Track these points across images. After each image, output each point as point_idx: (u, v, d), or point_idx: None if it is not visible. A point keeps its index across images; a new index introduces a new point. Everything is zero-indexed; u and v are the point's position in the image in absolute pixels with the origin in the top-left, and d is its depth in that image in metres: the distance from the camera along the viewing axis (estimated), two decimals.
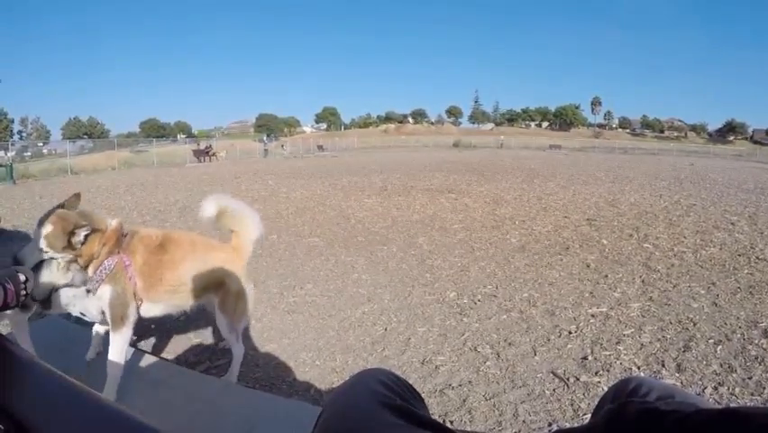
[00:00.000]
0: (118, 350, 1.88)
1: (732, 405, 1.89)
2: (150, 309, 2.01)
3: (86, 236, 1.81)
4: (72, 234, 1.76)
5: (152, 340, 2.69)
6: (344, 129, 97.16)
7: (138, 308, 1.95)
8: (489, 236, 5.64)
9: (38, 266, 1.74)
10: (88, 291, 1.81)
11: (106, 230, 1.90)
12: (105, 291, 1.86)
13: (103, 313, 1.86)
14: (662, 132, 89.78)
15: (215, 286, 2.12)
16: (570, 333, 2.87)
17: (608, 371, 2.39)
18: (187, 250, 2.08)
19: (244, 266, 2.26)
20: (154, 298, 1.98)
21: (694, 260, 4.55)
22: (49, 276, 1.72)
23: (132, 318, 1.92)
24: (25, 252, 1.72)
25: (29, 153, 33.68)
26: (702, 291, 3.61)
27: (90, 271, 1.86)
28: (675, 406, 0.59)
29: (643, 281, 3.87)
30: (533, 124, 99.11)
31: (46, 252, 1.73)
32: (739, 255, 4.72)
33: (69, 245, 1.76)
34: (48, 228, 1.73)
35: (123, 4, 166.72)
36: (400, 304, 3.40)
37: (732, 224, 6.48)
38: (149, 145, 31.98)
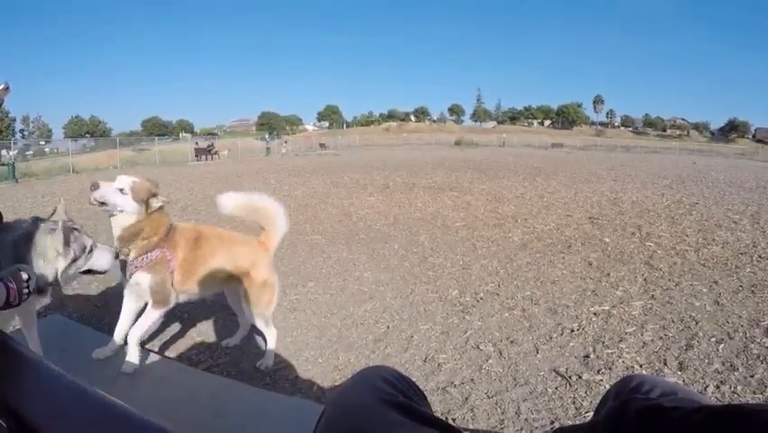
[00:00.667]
0: (150, 319, 2.06)
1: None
2: (179, 297, 2.16)
3: (159, 208, 1.99)
4: (154, 195, 1.96)
5: (155, 338, 2.70)
6: (346, 127, 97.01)
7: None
8: (491, 234, 5.64)
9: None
10: (103, 272, 1.80)
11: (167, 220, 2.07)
12: (144, 279, 1.98)
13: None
14: (664, 130, 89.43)
15: (241, 277, 2.26)
16: (572, 331, 2.87)
17: (610, 369, 2.39)
18: (216, 244, 2.21)
19: (270, 258, 2.42)
20: (186, 289, 2.13)
21: (696, 258, 4.54)
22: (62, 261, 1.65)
23: (171, 303, 2.09)
24: (107, 192, 1.85)
25: (31, 152, 33.76)
26: (704, 290, 3.60)
27: (132, 254, 1.95)
28: (678, 403, 0.59)
29: (645, 280, 3.87)
30: (535, 122, 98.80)
31: (126, 194, 1.88)
32: (741, 254, 4.71)
33: (146, 203, 1.93)
34: (134, 178, 1.92)
35: (125, 2, 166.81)
36: (402, 302, 3.41)
37: (734, 222, 6.46)
38: (151, 144, 32.02)
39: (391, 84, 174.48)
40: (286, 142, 40.02)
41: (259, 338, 2.73)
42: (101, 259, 1.75)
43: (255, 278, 2.27)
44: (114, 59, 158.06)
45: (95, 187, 1.86)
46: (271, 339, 2.40)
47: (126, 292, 2.13)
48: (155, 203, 1.95)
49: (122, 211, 1.91)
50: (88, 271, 1.74)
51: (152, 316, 2.07)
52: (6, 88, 1.68)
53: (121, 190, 1.87)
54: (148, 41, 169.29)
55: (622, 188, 10.61)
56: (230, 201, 2.31)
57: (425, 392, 0.89)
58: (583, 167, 17.92)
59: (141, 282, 2.00)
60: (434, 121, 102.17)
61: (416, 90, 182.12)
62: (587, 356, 2.54)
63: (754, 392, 2.17)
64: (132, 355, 2.00)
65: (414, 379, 0.86)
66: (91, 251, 1.72)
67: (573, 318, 3.07)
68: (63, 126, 74.98)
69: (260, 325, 2.35)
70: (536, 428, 1.92)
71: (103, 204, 1.90)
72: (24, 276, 1.27)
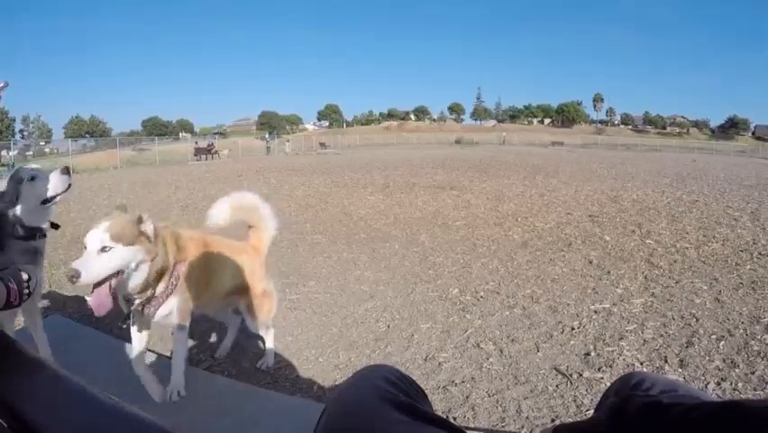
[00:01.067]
0: (184, 341, 1.88)
1: None
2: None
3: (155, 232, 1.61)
4: (140, 221, 1.55)
5: (154, 337, 2.70)
6: (346, 126, 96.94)
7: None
8: (492, 233, 5.64)
9: None
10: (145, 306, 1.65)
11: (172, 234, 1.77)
12: (173, 304, 1.76)
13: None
14: (664, 128, 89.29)
15: (243, 289, 2.12)
16: (572, 329, 2.87)
17: (610, 367, 2.39)
18: (220, 254, 2.01)
19: (264, 262, 2.29)
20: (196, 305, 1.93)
21: (696, 256, 4.54)
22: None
23: (189, 317, 1.89)
24: (98, 266, 1.44)
25: (31, 152, 33.73)
26: (705, 287, 3.60)
27: (161, 286, 1.69)
28: (678, 399, 0.59)
29: (645, 277, 3.86)
30: (535, 120, 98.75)
31: (112, 247, 1.45)
32: (742, 251, 4.71)
33: (142, 234, 1.55)
34: (104, 222, 1.49)
35: (125, 2, 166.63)
36: (403, 301, 3.41)
37: (734, 219, 6.46)
38: (151, 144, 32.03)
39: (391, 83, 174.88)
40: (288, 141, 39.92)
41: (259, 337, 2.73)
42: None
43: (256, 289, 2.15)
44: (115, 59, 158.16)
45: (75, 275, 1.38)
46: (270, 339, 2.38)
47: (135, 328, 1.81)
48: (148, 228, 1.57)
49: (134, 269, 1.55)
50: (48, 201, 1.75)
51: (183, 336, 1.87)
52: (5, 85, 1.67)
53: (104, 249, 1.44)
54: (148, 40, 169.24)
55: (622, 186, 10.60)
56: (222, 209, 2.11)
57: (426, 391, 0.88)
58: (583, 165, 17.91)
59: (172, 310, 1.77)
60: (435, 120, 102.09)
61: (415, 89, 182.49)
62: (587, 354, 2.54)
63: (755, 389, 2.17)
64: (179, 380, 1.85)
65: (414, 378, 0.86)
66: (33, 179, 1.75)
67: (574, 316, 3.07)
68: (63, 126, 74.89)
69: (261, 331, 2.30)
70: (537, 426, 1.92)
71: (115, 275, 1.50)
72: (25, 276, 1.27)
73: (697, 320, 2.96)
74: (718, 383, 2.22)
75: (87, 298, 1.49)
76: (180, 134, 70.44)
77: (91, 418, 0.66)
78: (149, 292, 1.67)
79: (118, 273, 1.50)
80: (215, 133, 69.35)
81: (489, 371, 2.38)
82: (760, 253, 4.59)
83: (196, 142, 31.10)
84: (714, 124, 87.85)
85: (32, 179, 1.73)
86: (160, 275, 1.67)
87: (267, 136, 45.30)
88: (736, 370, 2.34)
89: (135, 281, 1.59)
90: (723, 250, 4.76)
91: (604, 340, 2.70)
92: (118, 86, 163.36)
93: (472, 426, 1.92)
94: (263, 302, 2.20)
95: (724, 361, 2.43)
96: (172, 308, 1.76)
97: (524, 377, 2.31)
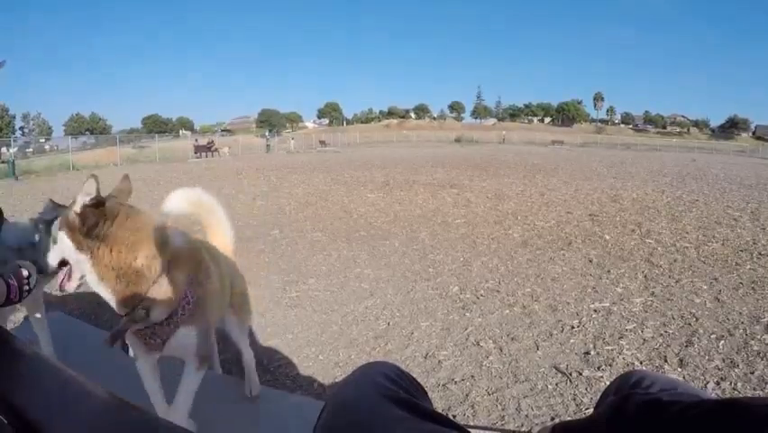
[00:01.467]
0: (195, 384, 1.47)
1: None
2: None
3: (100, 208, 1.15)
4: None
5: None
6: (346, 124, 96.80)
7: None
8: (492, 231, 5.64)
9: None
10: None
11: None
12: (190, 334, 1.33)
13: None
14: (664, 128, 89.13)
15: (235, 291, 1.79)
16: (572, 328, 2.87)
17: (610, 366, 2.40)
18: (217, 256, 1.62)
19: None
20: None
21: (696, 255, 4.54)
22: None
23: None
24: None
25: (31, 150, 33.64)
26: (705, 287, 3.60)
27: (157, 312, 1.24)
28: (677, 397, 0.59)
29: (645, 277, 3.87)
30: (535, 119, 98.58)
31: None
32: (741, 251, 4.71)
33: (68, 224, 1.15)
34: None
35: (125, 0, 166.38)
36: (403, 299, 3.41)
37: (734, 219, 6.46)
38: (151, 141, 31.96)
39: (391, 81, 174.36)
40: (293, 138, 39.61)
41: (259, 335, 2.74)
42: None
43: (243, 289, 1.88)
44: (115, 56, 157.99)
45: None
46: (250, 361, 1.99)
47: (145, 369, 1.50)
48: (70, 211, 1.15)
49: (72, 260, 1.17)
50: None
51: (197, 380, 1.46)
52: (2, 64, 1.67)
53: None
54: (148, 38, 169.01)
55: (622, 185, 10.60)
56: (178, 202, 1.62)
57: (426, 389, 0.89)
58: (583, 164, 17.91)
59: (187, 343, 1.34)
60: (435, 118, 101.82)
61: (416, 87, 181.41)
62: (587, 353, 2.54)
63: (755, 389, 2.17)
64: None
65: (414, 375, 0.86)
66: None
67: (574, 315, 3.07)
68: (63, 124, 74.71)
69: (240, 340, 1.94)
70: (536, 424, 1.92)
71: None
72: (25, 273, 1.26)
73: (697, 320, 2.96)
74: (718, 383, 2.23)
75: None
76: (180, 132, 70.31)
77: (92, 414, 0.66)
78: (140, 313, 1.21)
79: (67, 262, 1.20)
80: (223, 131, 69.15)
81: (488, 369, 2.39)
82: (760, 253, 4.59)
83: (196, 140, 31.04)
84: (714, 123, 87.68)
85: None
86: (142, 286, 1.20)
87: (267, 134, 45.29)
88: (736, 370, 2.34)
89: (89, 280, 1.19)
90: (723, 250, 4.76)
91: (604, 339, 2.71)
92: (118, 83, 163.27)
93: (472, 424, 1.92)
94: (242, 302, 1.89)
95: (723, 360, 2.44)
96: (187, 342, 1.34)
97: (523, 375, 2.31)
